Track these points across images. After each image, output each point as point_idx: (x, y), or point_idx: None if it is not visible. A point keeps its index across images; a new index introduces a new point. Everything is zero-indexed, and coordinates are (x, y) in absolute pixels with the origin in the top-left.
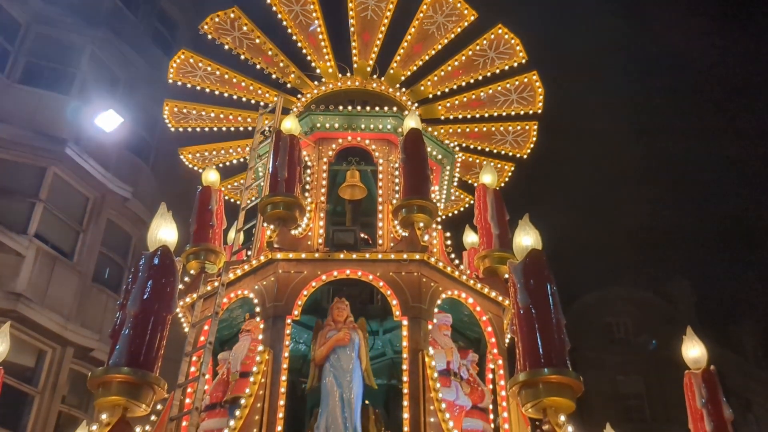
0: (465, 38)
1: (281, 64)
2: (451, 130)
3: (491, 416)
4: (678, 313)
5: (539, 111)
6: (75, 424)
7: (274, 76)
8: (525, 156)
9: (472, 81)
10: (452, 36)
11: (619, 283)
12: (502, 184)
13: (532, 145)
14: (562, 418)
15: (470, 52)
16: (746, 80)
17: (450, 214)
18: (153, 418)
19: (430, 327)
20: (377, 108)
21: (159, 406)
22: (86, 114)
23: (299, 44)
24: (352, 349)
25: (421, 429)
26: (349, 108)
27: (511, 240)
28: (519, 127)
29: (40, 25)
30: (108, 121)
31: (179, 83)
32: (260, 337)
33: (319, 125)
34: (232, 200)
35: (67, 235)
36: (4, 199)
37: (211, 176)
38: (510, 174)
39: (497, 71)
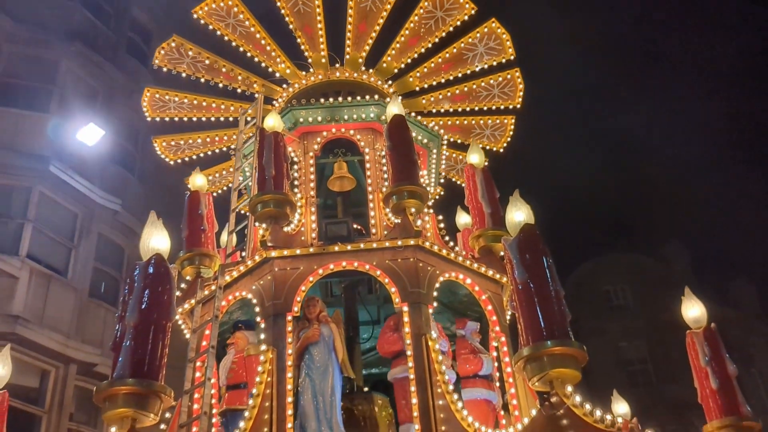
0: (456, 32)
1: (272, 53)
2: (432, 123)
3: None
4: (675, 275)
5: (518, 106)
6: None
7: (263, 65)
8: (501, 149)
9: (459, 75)
10: (450, 29)
11: (614, 250)
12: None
13: (508, 139)
14: (569, 388)
15: (462, 45)
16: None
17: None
18: (162, 426)
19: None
20: (359, 98)
21: (167, 414)
22: (67, 130)
23: (294, 33)
24: (324, 344)
25: (430, 412)
26: (331, 100)
27: (504, 217)
28: (497, 121)
29: (12, 44)
30: (89, 134)
31: (159, 78)
32: (262, 336)
33: (301, 120)
34: (213, 194)
35: (59, 253)
36: None
37: (198, 180)
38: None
39: (485, 66)
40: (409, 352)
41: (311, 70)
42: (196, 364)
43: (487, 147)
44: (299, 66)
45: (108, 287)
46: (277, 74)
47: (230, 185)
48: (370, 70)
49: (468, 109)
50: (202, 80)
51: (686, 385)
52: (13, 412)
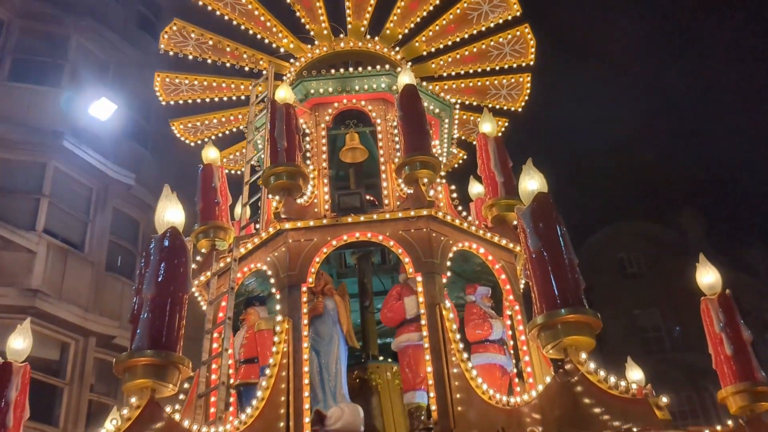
0: None
1: (274, 29)
2: (446, 87)
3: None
4: (689, 243)
5: (531, 63)
6: (106, 411)
7: (267, 41)
8: (519, 109)
9: (466, 36)
10: None
11: (628, 218)
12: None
13: (526, 98)
14: (584, 355)
15: (465, 4)
16: None
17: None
18: (181, 397)
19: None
20: (370, 68)
21: (186, 385)
22: (79, 104)
23: (293, 6)
24: (329, 316)
25: (445, 380)
26: (342, 71)
27: (517, 186)
28: (513, 80)
29: (23, 20)
30: (102, 109)
31: (170, 57)
32: (277, 307)
33: (312, 91)
34: (232, 171)
35: (75, 228)
36: (8, 198)
37: (211, 154)
38: (503, 129)
39: (491, 25)
40: (423, 322)
41: (316, 42)
42: (213, 335)
43: (505, 107)
44: (303, 40)
45: (124, 261)
46: (282, 50)
47: (239, 153)
48: (375, 38)
49: (480, 70)
50: (209, 61)
51: (700, 352)
52: (35, 384)
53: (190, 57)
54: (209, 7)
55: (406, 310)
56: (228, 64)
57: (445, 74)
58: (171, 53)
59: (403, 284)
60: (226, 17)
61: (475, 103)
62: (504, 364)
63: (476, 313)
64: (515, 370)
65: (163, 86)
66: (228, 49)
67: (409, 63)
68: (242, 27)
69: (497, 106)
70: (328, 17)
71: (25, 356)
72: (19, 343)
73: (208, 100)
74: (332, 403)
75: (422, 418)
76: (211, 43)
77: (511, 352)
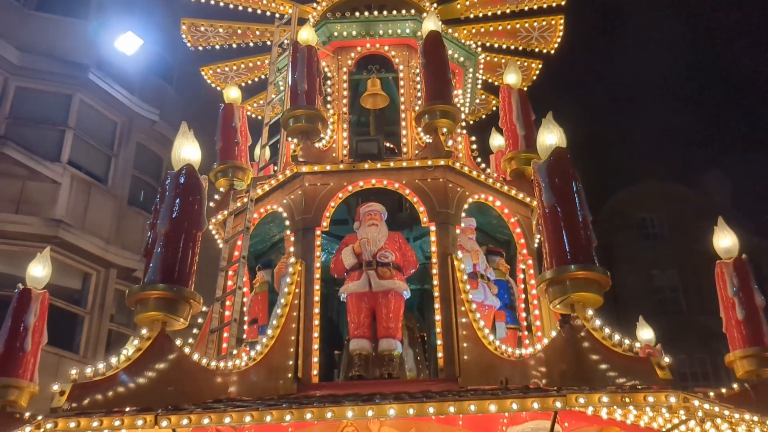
0: None
1: None
2: (474, 30)
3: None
4: (714, 206)
5: (563, 3)
6: (124, 341)
7: None
8: (552, 51)
9: (507, 11)
10: None
11: (653, 178)
12: (531, 82)
13: (558, 40)
14: (590, 312)
15: None
16: None
17: (478, 119)
18: (195, 331)
19: (457, 231)
20: (395, 12)
21: (200, 320)
22: (106, 38)
23: None
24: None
25: (453, 329)
26: (366, 14)
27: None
28: (545, 23)
29: None
30: (128, 43)
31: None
32: (291, 249)
33: (336, 34)
34: (259, 117)
35: (99, 161)
36: (34, 129)
37: (232, 93)
38: (538, 72)
39: (534, 7)
40: (434, 271)
41: None
42: (227, 272)
43: (537, 50)
44: None
45: (146, 196)
46: None
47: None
48: None
49: (509, 11)
50: (231, 6)
51: (716, 315)
52: (58, 312)
53: (212, 2)
54: None
55: (344, 261)
56: (250, 10)
57: (471, 16)
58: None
59: (350, 234)
60: None
61: (505, 46)
62: (484, 301)
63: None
64: (498, 305)
65: (189, 32)
66: None
67: (435, 4)
68: None
69: (529, 49)
70: None
71: (44, 284)
72: (39, 270)
73: (234, 45)
74: None
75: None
76: None
77: (497, 289)
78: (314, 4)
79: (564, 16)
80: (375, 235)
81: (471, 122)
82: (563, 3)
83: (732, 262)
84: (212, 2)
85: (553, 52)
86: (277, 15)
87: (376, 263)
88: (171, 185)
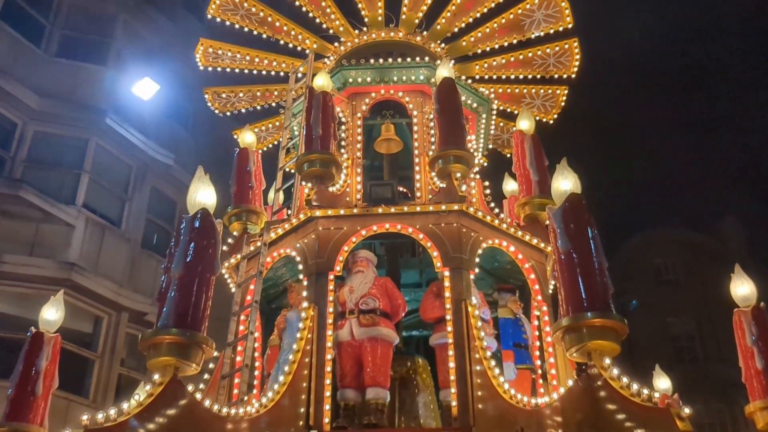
0: None
1: (327, 9)
2: (486, 65)
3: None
4: (728, 252)
5: (573, 76)
6: (135, 386)
7: (317, 21)
8: (573, 76)
9: (514, 42)
10: None
11: (668, 224)
12: (560, 110)
13: (577, 63)
14: (608, 360)
15: (519, 11)
16: None
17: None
18: (206, 376)
19: (471, 277)
20: (409, 59)
21: (211, 365)
22: (123, 83)
23: None
24: (290, 328)
25: (467, 377)
26: (381, 60)
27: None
28: (558, 48)
29: None
30: (145, 89)
31: (218, 28)
32: (304, 294)
33: (351, 80)
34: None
35: (113, 204)
36: (50, 172)
37: (247, 138)
38: (564, 98)
39: (541, 34)
40: (448, 317)
41: (365, 29)
42: (240, 317)
43: (537, 117)
44: (352, 24)
45: (160, 239)
46: (330, 30)
47: (277, 141)
48: (424, 33)
49: (520, 77)
50: (255, 33)
51: (733, 364)
52: (68, 355)
53: (236, 26)
54: None
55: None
56: (272, 39)
57: (485, 77)
58: (218, 20)
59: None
60: None
61: (522, 76)
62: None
63: (433, 291)
64: (495, 347)
65: (205, 53)
66: (277, 24)
67: (453, 62)
68: (296, 3)
69: (547, 76)
70: (385, 5)
71: (57, 327)
72: (52, 314)
73: (246, 71)
74: None
75: None
76: (261, 15)
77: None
78: (336, 44)
79: (577, 39)
80: (359, 283)
81: (479, 168)
82: (570, 27)
83: (750, 310)
84: (236, 27)
85: (573, 76)
86: (299, 48)
87: (358, 311)
88: (186, 229)
